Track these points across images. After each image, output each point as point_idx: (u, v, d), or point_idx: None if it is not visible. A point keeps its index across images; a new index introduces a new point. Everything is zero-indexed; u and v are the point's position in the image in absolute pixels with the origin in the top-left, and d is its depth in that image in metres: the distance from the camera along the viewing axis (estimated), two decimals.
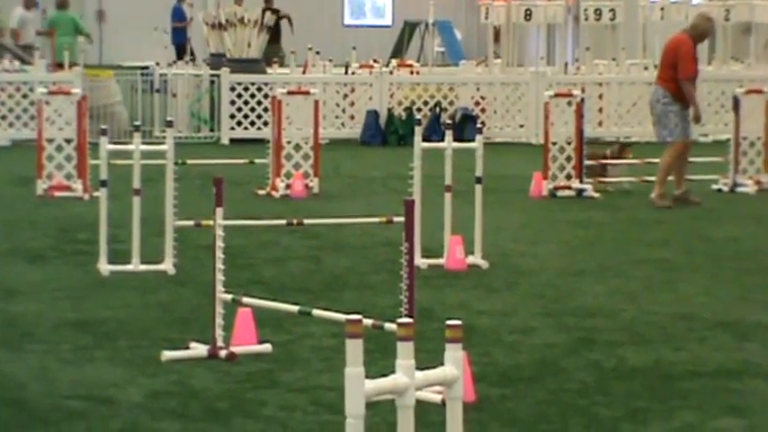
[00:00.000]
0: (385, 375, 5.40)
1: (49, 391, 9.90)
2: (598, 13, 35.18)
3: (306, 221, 15.64)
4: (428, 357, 5.54)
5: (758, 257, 15.63)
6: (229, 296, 11.07)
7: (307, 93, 23.13)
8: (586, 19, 36.04)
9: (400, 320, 5.75)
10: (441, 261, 14.58)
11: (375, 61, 34.44)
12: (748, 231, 17.61)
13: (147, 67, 32.01)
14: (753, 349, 11.22)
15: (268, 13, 36.06)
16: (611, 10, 34.72)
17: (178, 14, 40.90)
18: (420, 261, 13.68)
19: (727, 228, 17.84)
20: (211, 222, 11.09)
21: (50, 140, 21.60)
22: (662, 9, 34.85)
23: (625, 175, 21.57)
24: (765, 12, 33.06)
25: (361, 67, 32.95)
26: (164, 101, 30.80)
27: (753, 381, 10.24)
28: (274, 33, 36.57)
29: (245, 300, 11.31)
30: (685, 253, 15.91)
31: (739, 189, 21.35)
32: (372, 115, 29.68)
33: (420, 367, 5.51)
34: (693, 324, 12.15)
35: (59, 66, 30.10)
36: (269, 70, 31.68)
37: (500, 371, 10.32)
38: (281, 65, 34.90)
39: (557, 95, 22.06)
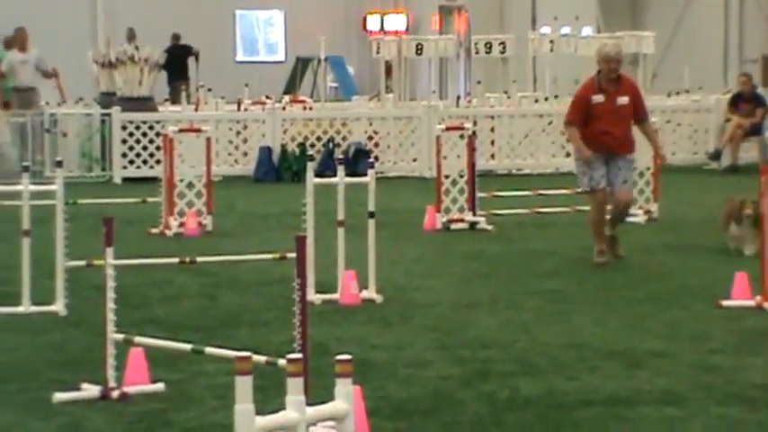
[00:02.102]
0: (278, 412, 5.40)
1: None
2: (488, 46, 35.40)
3: (199, 259, 15.59)
4: (324, 393, 5.54)
5: (647, 286, 15.75)
6: (121, 336, 11.01)
7: (198, 130, 23.15)
8: (477, 53, 36.26)
9: (289, 356, 5.75)
10: (335, 296, 14.58)
11: (268, 97, 34.53)
12: (638, 260, 17.74)
13: (39, 108, 31.92)
14: (643, 377, 11.30)
15: (158, 51, 36.07)
16: (502, 43, 34.97)
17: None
18: (314, 297, 13.70)
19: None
20: (101, 261, 11.06)
21: None
22: (551, 42, 35.10)
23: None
24: (650, 43, 33.44)
25: (253, 103, 33.04)
26: (54, 141, 30.68)
27: (644, 408, 10.30)
28: (182, 69, 36.61)
29: (137, 339, 11.26)
30: (576, 284, 16.00)
31: (629, 219, 21.52)
32: (265, 152, 29.73)
33: (315, 402, 5.51)
34: (585, 354, 12.22)
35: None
36: (172, 108, 31.70)
37: (394, 404, 10.33)
38: (188, 97, 34.94)
39: (448, 129, 22.19)
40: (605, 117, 16.07)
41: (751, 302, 14.25)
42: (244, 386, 5.30)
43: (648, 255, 18.18)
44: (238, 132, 30.27)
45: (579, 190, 17.88)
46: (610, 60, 16.16)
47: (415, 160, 29.12)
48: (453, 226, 21.00)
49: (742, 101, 30.53)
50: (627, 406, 10.41)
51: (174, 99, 34.80)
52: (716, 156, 30.09)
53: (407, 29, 45.66)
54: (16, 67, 31.31)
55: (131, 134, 29.46)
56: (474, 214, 21.23)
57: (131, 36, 35.68)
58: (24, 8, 48.45)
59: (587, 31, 41.69)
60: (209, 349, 11.02)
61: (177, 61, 36.81)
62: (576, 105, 16.43)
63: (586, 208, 22.58)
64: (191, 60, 37.89)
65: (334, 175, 15.53)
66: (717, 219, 21.18)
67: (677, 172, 26.16)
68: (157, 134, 27.30)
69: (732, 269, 14.78)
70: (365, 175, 15.59)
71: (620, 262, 16.99)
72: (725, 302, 14.35)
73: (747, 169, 27.56)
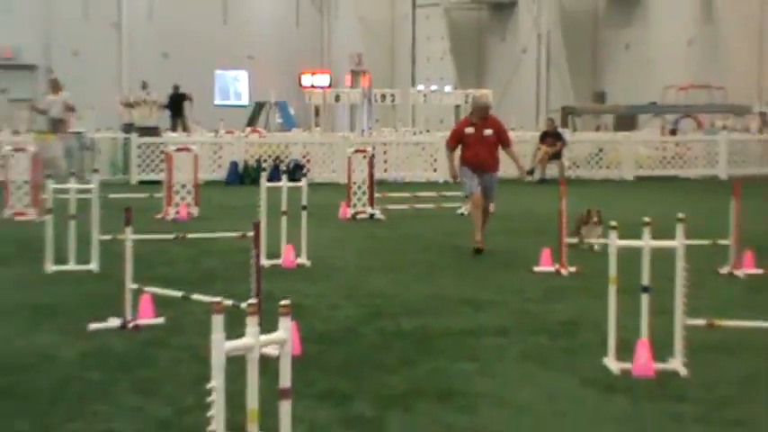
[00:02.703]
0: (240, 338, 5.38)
1: (11, 352, 9.73)
2: (383, 97, 35.62)
3: (188, 236, 15.50)
4: (271, 326, 5.53)
5: (488, 258, 15.77)
6: (135, 286, 10.95)
7: (189, 149, 23.00)
8: (376, 101, 36.35)
9: (248, 302, 5.73)
10: (279, 261, 14.52)
11: (235, 129, 34.36)
12: (472, 239, 17.77)
13: (81, 132, 31.63)
14: (484, 317, 11.31)
15: (164, 96, 35.82)
16: (392, 95, 35.20)
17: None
18: (264, 262, 13.60)
19: (464, 238, 17.97)
20: (123, 236, 11.00)
21: (13, 182, 21.34)
22: (424, 95, 35.21)
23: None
24: (489, 96, 33.52)
25: (226, 132, 32.89)
26: (92, 155, 30.51)
27: (484, 337, 10.32)
28: (179, 108, 36.35)
29: (146, 288, 11.21)
30: (440, 256, 16.01)
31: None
32: (234, 165, 29.79)
33: (265, 332, 5.49)
34: (446, 302, 12.22)
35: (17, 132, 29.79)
36: (172, 134, 31.55)
37: (318, 334, 10.30)
38: (185, 129, 34.79)
39: (356, 151, 22.15)
40: (475, 144, 15.97)
41: (552, 269, 14.32)
42: (217, 321, 5.28)
43: (488, 237, 18.19)
44: (215, 151, 30.21)
45: (464, 194, 17.67)
46: (478, 107, 16.28)
47: (334, 172, 29.08)
48: (358, 216, 20.99)
49: (548, 136, 30.64)
50: (473, 336, 10.42)
51: (174, 128, 34.61)
52: (531, 172, 30.18)
53: (330, 84, 45.50)
54: (50, 105, 30.95)
55: (144, 151, 29.34)
56: (372, 208, 21.26)
57: (144, 85, 35.36)
58: (71, 67, 48.03)
59: (448, 88, 41.75)
60: (194, 296, 11.00)
61: (176, 103, 36.55)
62: (453, 135, 16.40)
63: (447, 205, 22.64)
64: (186, 103, 37.61)
65: (280, 181, 15.47)
66: (533, 213, 21.30)
67: (508, 183, 26.18)
68: (161, 152, 27.09)
69: (540, 246, 14.83)
70: (300, 181, 15.56)
71: (469, 243, 16.97)
72: (536, 269, 14.39)
73: (551, 182, 27.70)
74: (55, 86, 31.91)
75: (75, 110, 30.62)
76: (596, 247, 12.38)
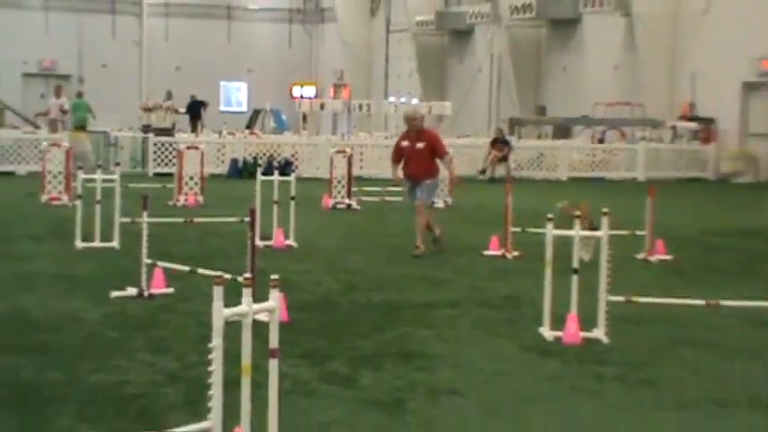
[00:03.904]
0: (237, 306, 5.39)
1: (44, 314, 9.72)
2: (361, 106, 35.44)
3: (196, 220, 15.50)
4: (263, 296, 5.52)
5: (445, 244, 15.73)
6: (150, 261, 10.94)
7: (197, 148, 22.91)
8: (355, 110, 36.27)
9: (244, 275, 5.72)
10: (271, 243, 14.51)
11: (235, 131, 34.23)
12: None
13: (106, 132, 31.50)
14: (439, 293, 11.34)
15: (183, 103, 35.67)
16: (368, 105, 35.05)
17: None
18: (259, 242, 13.54)
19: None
20: (140, 219, 10.97)
21: (50, 172, 21.24)
22: (395, 106, 35.15)
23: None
24: (449, 108, 33.55)
25: (229, 133, 32.72)
26: (115, 151, 30.40)
27: (440, 309, 10.35)
28: (197, 113, 36.10)
29: (159, 263, 11.19)
30: (405, 241, 15.92)
31: (436, 205, 21.60)
32: (234, 161, 29.61)
33: (256, 302, 5.49)
34: (408, 279, 12.24)
35: (54, 128, 29.59)
36: (183, 135, 31.36)
37: (302, 304, 10.30)
38: (200, 129, 34.62)
39: (338, 152, 22.11)
40: (410, 157, 14.45)
41: (499, 253, 14.34)
42: (218, 292, 5.26)
43: (446, 225, 18.18)
44: (219, 149, 30.01)
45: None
46: (410, 118, 14.71)
47: (318, 168, 28.93)
48: (338, 206, 20.95)
49: (497, 142, 30.59)
50: (430, 308, 10.44)
51: (193, 130, 34.37)
52: (483, 172, 30.19)
53: (316, 95, 45.41)
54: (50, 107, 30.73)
55: (159, 148, 29.11)
56: (350, 200, 21.24)
57: (169, 95, 35.16)
58: (100, 77, 47.85)
59: (415, 100, 41.73)
60: (199, 270, 11.00)
61: (194, 109, 36.33)
62: (394, 149, 14.92)
63: None
64: (202, 109, 37.33)
65: (272, 176, 15.45)
66: (484, 206, 21.32)
67: (464, 181, 26.20)
68: (174, 149, 26.96)
69: (489, 234, 14.86)
70: (289, 175, 15.55)
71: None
72: (485, 252, 14.43)
73: (499, 180, 27.71)
74: (58, 92, 31.74)
75: (67, 112, 30.31)
76: (585, 258, 11.29)
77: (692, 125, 32.97)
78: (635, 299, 10.05)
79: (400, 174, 14.69)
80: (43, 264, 12.82)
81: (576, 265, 9.01)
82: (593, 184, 29.60)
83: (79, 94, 32.99)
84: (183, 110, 35.46)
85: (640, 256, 14.22)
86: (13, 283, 11.37)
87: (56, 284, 11.37)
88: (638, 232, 14.92)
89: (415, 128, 14.49)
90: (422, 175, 14.36)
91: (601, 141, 34.28)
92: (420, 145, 14.29)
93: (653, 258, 14.15)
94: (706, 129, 32.80)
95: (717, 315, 10.15)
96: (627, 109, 35.11)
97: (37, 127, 32.24)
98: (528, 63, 41.34)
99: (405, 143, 14.49)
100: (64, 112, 30.54)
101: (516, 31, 41.11)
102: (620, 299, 9.63)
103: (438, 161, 14.66)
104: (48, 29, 49.12)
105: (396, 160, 14.69)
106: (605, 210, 9.03)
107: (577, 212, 9.29)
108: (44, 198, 20.78)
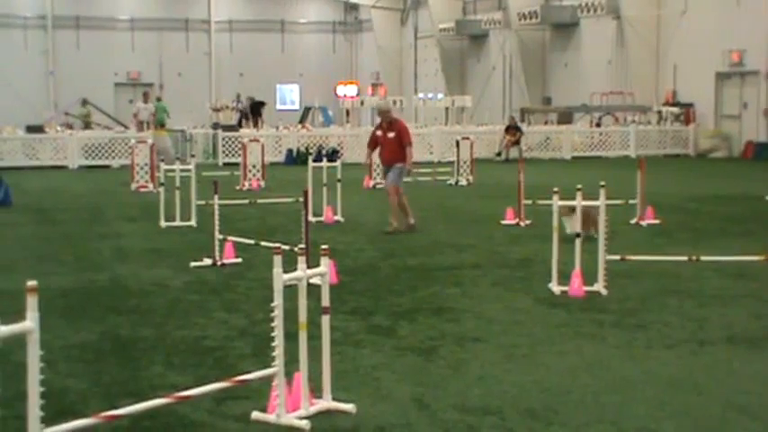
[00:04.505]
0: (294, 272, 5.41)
1: (137, 282, 9.80)
2: (395, 102, 35.25)
3: (258, 201, 15.54)
4: (315, 263, 5.54)
5: (467, 215, 15.70)
6: (222, 236, 11.00)
7: (258, 140, 22.94)
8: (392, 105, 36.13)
9: (300, 246, 5.73)
10: (321, 218, 14.53)
11: (290, 126, 34.22)
12: (462, 203, 17.77)
13: (183, 129, 31.61)
14: (464, 257, 11.33)
15: (244, 100, 35.66)
16: (401, 101, 34.89)
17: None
18: (311, 218, 13.56)
19: (452, 200, 17.97)
20: (212, 202, 11.02)
21: (138, 164, 21.37)
22: (423, 101, 35.05)
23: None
24: (469, 101, 33.28)
25: (284, 128, 32.69)
26: (191, 144, 30.49)
27: (465, 271, 10.34)
28: (258, 112, 36.00)
29: (229, 237, 11.26)
30: (435, 212, 16.00)
31: (461, 183, 21.53)
32: (289, 151, 29.55)
33: (310, 267, 5.50)
34: (438, 246, 12.24)
35: (141, 127, 29.68)
36: (246, 130, 31.33)
37: (348, 268, 10.34)
38: (260, 126, 34.53)
39: None
40: (383, 145, 13.73)
41: (514, 222, 14.26)
42: (278, 260, 5.29)
43: (468, 200, 18.22)
44: (276, 141, 29.92)
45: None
46: (382, 111, 13.98)
47: (359, 155, 28.88)
48: (377, 186, 20.85)
49: (510, 128, 30.37)
50: (457, 269, 10.44)
51: (255, 125, 34.29)
52: (499, 154, 30.03)
53: (357, 93, 45.27)
54: (139, 110, 30.72)
55: (226, 142, 29.16)
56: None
57: (238, 97, 35.11)
58: (176, 83, 48.00)
59: (440, 95, 41.52)
60: (262, 243, 11.05)
61: (255, 109, 36.22)
62: (370, 138, 14.17)
63: (440, 178, 22.54)
64: (261, 108, 37.27)
65: (321, 162, 15.46)
66: (501, 183, 21.21)
67: (482, 162, 26.13)
68: (239, 142, 27.02)
69: (505, 206, 14.83)
70: (336, 162, 15.55)
71: (455, 203, 16.90)
72: (503, 222, 14.39)
73: (513, 161, 27.54)
74: (146, 97, 31.79)
75: (154, 114, 30.42)
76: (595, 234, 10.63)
77: (675, 109, 32.63)
78: (629, 257, 10.00)
79: (374, 157, 14.35)
80: (134, 240, 12.93)
81: (578, 229, 8.96)
82: (591, 161, 29.36)
83: (158, 99, 33.06)
84: (243, 107, 35.40)
85: (633, 221, 14.12)
86: (111, 257, 11.48)
87: (145, 257, 11.45)
88: (630, 201, 14.81)
89: (386, 119, 13.78)
90: (392, 161, 13.68)
91: (598, 125, 34.03)
92: (391, 134, 13.64)
93: (644, 223, 14.04)
94: (686, 112, 32.50)
95: (698, 268, 10.09)
96: (619, 97, 34.82)
97: (126, 127, 32.38)
98: (535, 61, 41.05)
99: (379, 132, 13.88)
100: (151, 114, 30.63)
101: (524, 34, 40.82)
102: (617, 257, 9.58)
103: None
104: (134, 45, 49.31)
105: (370, 146, 14.21)
106: (602, 183, 8.98)
107: (572, 205, 9.23)
108: (134, 186, 20.94)
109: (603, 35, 36.39)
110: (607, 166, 26.40)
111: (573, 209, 9.97)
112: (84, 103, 35.73)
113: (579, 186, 8.95)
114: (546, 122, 36.94)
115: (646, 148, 31.47)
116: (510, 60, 42.03)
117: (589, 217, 10.73)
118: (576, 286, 8.88)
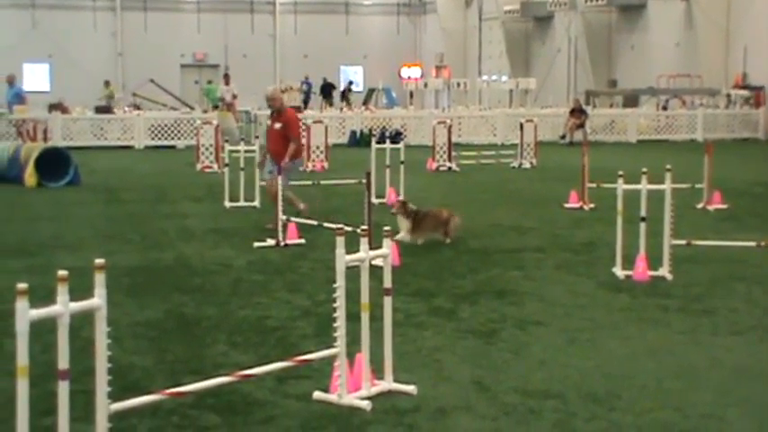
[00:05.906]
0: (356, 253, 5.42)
1: (201, 261, 9.92)
2: (458, 84, 35.17)
3: (322, 182, 15.58)
4: (378, 245, 5.54)
5: (529, 196, 15.63)
6: (285, 217, 11.08)
7: (321, 122, 23.02)
8: (453, 87, 36.03)
9: (363, 227, 5.74)
10: (384, 200, 14.54)
11: (353, 107, 34.26)
12: (526, 185, 17.64)
13: (247, 111, 31.82)
14: (526, 239, 11.27)
15: (318, 85, 35.83)
16: (465, 83, 34.74)
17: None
18: (374, 200, 13.55)
19: (515, 183, 17.86)
20: (279, 183, 11.08)
21: (203, 145, 21.60)
22: (487, 83, 34.80)
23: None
24: (533, 83, 32.92)
25: (348, 109, 32.73)
26: (255, 126, 30.64)
27: (526, 253, 10.29)
28: (329, 93, 35.87)
29: (293, 219, 11.33)
30: (498, 195, 15.94)
31: (525, 165, 21.38)
32: (353, 132, 29.57)
33: (372, 249, 5.51)
34: (499, 228, 12.18)
35: (206, 110, 29.95)
36: (309, 111, 31.41)
37: (411, 251, 10.34)
38: (331, 106, 34.51)
39: (439, 123, 21.97)
40: (269, 136, 12.25)
41: (577, 205, 14.14)
42: (340, 241, 5.30)
43: (532, 183, 18.08)
44: (340, 123, 30.02)
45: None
46: (268, 99, 12.28)
47: (423, 137, 28.79)
48: (440, 168, 20.85)
49: (575, 111, 30.06)
50: (519, 252, 10.39)
51: (323, 107, 34.36)
52: (563, 137, 29.73)
53: (421, 75, 45.15)
54: (223, 92, 30.95)
55: None
56: (450, 162, 21.11)
57: (306, 78, 35.24)
58: (241, 65, 48.34)
59: (504, 78, 41.23)
60: (325, 224, 11.11)
61: (326, 90, 36.29)
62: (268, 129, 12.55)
63: (504, 160, 22.35)
64: (332, 90, 37.31)
65: (385, 144, 15.46)
66: (564, 166, 21.00)
67: (546, 145, 25.88)
68: (303, 123, 27.11)
69: (569, 189, 14.69)
70: (399, 143, 15.54)
71: (514, 186, 16.77)
72: (566, 205, 14.27)
73: (577, 144, 27.27)
74: (227, 80, 32.06)
75: (237, 96, 30.62)
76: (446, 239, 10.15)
77: (744, 92, 32.00)
78: (695, 242, 9.84)
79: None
80: (199, 220, 13.07)
81: (643, 213, 8.84)
82: (657, 145, 28.95)
83: (209, 81, 33.28)
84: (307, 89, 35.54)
85: (700, 205, 13.90)
86: (176, 236, 11.63)
87: (209, 237, 11.58)
88: (697, 185, 14.58)
89: (273, 108, 12.30)
90: (277, 154, 12.14)
91: (665, 108, 33.51)
92: (278, 125, 12.18)
93: (711, 207, 13.81)
94: (756, 95, 31.84)
95: (766, 254, 9.89)
96: (687, 80, 34.24)
97: (192, 108, 32.69)
98: (600, 43, 40.53)
99: (269, 122, 12.48)
100: (235, 96, 30.96)
101: (590, 16, 40.32)
102: (682, 242, 9.45)
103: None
104: (199, 27, 49.81)
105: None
106: (668, 167, 8.85)
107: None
108: (199, 166, 21.17)
109: (672, 17, 35.79)
110: (673, 150, 26.00)
111: (407, 210, 10.22)
112: (107, 84, 36.12)
113: (644, 170, 8.82)
114: (611, 105, 36.46)
115: (714, 131, 30.92)
116: (575, 42, 41.55)
117: (439, 220, 10.84)
118: (641, 270, 8.77)
